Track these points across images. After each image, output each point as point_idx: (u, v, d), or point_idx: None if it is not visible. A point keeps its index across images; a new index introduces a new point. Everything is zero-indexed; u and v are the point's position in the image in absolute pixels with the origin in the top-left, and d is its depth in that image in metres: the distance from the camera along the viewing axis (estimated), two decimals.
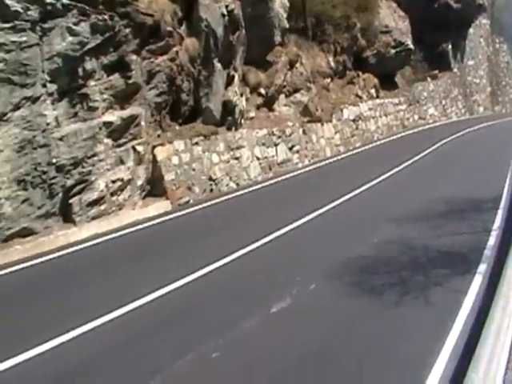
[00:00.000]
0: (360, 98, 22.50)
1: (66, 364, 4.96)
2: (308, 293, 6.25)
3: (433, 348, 4.79)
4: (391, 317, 5.56)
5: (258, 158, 15.02)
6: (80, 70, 9.83)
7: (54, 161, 9.29)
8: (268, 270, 7.18)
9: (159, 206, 11.37)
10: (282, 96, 17.23)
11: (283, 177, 15.16)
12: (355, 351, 4.86)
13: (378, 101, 23.96)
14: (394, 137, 23.67)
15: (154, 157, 11.52)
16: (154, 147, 11.55)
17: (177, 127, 12.56)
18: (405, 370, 4.53)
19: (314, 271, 6.98)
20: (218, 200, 12.43)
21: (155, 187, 11.55)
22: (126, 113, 10.72)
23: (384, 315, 5.58)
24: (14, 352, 5.13)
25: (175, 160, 12.01)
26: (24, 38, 8.79)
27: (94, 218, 9.94)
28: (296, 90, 17.59)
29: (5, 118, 8.61)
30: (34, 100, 9.04)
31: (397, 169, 14.73)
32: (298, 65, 17.60)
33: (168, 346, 5.09)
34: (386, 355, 4.78)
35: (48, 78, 9.25)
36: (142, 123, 11.13)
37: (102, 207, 10.15)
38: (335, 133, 19.55)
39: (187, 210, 11.51)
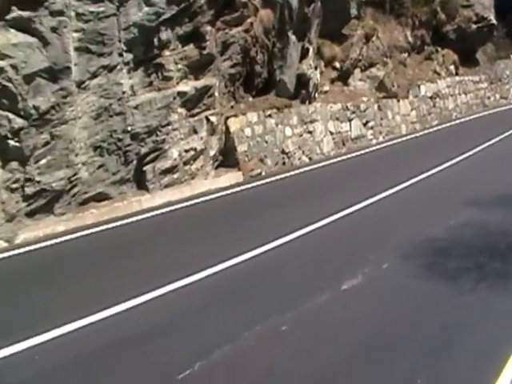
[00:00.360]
0: (438, 74, 21.75)
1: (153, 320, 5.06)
2: (380, 272, 6.01)
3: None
4: (466, 302, 5.19)
5: (331, 133, 14.82)
6: (155, 40, 9.92)
7: (129, 129, 9.46)
8: (339, 247, 7.01)
9: (231, 177, 11.41)
10: (358, 70, 16.88)
11: (357, 153, 14.88)
12: (427, 336, 4.55)
13: (457, 78, 23.10)
14: (474, 116, 22.78)
15: (227, 128, 11.55)
16: (227, 118, 11.58)
17: (250, 99, 12.53)
18: (480, 358, 4.20)
19: (387, 250, 6.71)
20: (290, 173, 12.34)
21: (227, 158, 11.59)
22: (200, 83, 10.77)
23: (458, 300, 5.23)
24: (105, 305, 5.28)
25: (248, 132, 12.01)
26: (102, 9, 8.93)
27: (166, 186, 10.09)
28: (372, 65, 17.18)
29: (83, 85, 8.79)
30: (111, 69, 9.20)
31: (477, 149, 14.01)
32: (374, 39, 17.18)
33: (236, 317, 5.02)
34: (460, 341, 4.45)
35: (124, 48, 9.38)
36: (216, 94, 11.15)
37: (175, 176, 10.28)
38: (411, 110, 19.03)
39: (259, 182, 11.50)
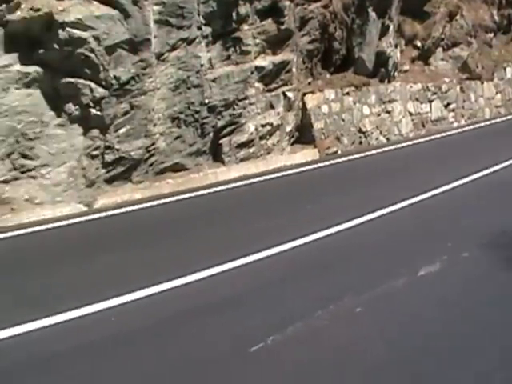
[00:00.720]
0: None
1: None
2: (459, 260, 5.62)
3: None
4: None
5: (410, 114, 14.43)
6: (234, 14, 9.92)
7: (207, 101, 9.52)
8: (415, 232, 6.64)
9: (307, 154, 11.31)
10: (440, 50, 16.30)
11: (437, 135, 14.40)
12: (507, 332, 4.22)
13: None
14: None
15: (304, 104, 11.44)
16: (304, 94, 11.46)
17: (328, 76, 12.35)
18: None
19: (466, 239, 6.27)
20: (366, 153, 12.06)
21: (304, 135, 11.48)
22: (277, 58, 10.70)
23: None
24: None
25: (325, 109, 11.85)
26: None
27: (242, 160, 10.10)
28: (455, 44, 16.56)
29: (162, 57, 8.91)
30: (190, 42, 9.28)
31: None
32: (458, 17, 16.53)
33: (311, 294, 4.90)
34: None
35: (203, 21, 9.43)
36: (294, 70, 11.05)
37: (251, 150, 10.28)
38: (496, 93, 18.24)
39: (335, 160, 11.31)
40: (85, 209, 7.94)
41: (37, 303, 4.83)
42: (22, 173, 7.65)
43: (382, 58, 13.48)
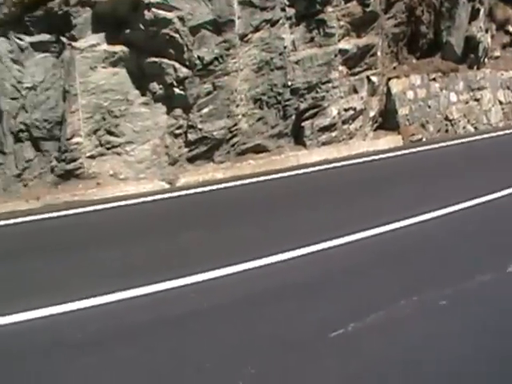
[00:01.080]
0: None
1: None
2: None
3: None
4: None
5: (500, 103, 13.78)
6: None
7: (289, 83, 9.38)
8: (506, 227, 6.13)
9: (390, 140, 10.98)
10: None
11: None
12: None
13: None
14: None
15: (389, 89, 11.11)
16: (388, 79, 11.13)
17: (414, 60, 11.95)
18: None
19: None
20: (452, 142, 11.58)
21: (387, 120, 11.15)
22: (362, 41, 10.43)
23: None
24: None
25: (410, 95, 11.47)
26: None
27: (323, 144, 9.91)
28: None
29: (245, 39, 8.86)
30: (273, 23, 9.17)
31: None
32: None
33: (395, 283, 4.65)
34: None
35: (287, 3, 9.31)
36: (378, 53, 10.74)
37: (333, 134, 10.07)
38: None
39: (419, 148, 10.91)
40: (167, 186, 8.02)
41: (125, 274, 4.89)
42: (108, 149, 7.83)
43: (471, 43, 12.93)
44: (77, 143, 7.65)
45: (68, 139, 7.61)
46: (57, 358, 3.60)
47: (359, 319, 3.98)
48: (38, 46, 7.57)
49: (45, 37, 7.60)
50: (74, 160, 7.67)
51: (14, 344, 3.79)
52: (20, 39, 7.46)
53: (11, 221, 6.69)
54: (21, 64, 7.46)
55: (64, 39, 7.66)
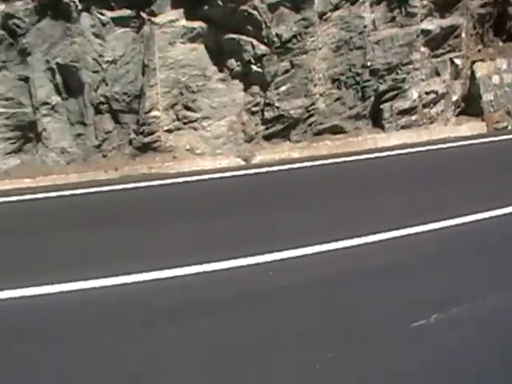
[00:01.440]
0: None
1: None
2: None
3: None
4: None
5: None
6: None
7: (369, 64, 9.12)
8: None
9: (473, 127, 10.51)
10: None
11: None
12: None
13: None
14: None
15: (473, 73, 10.63)
16: (473, 62, 10.65)
17: (500, 43, 11.40)
18: None
19: None
20: None
21: (470, 106, 10.68)
22: (445, 22, 10.02)
23: None
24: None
25: (496, 79, 10.94)
26: None
27: (403, 128, 9.59)
28: None
29: (324, 17, 8.67)
30: (353, 2, 8.93)
31: None
32: None
33: (481, 276, 4.42)
34: None
35: None
36: (463, 35, 10.30)
37: (413, 118, 9.73)
38: None
39: (504, 137, 10.40)
40: (243, 163, 7.97)
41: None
42: (185, 124, 7.86)
43: None
44: (154, 117, 7.72)
45: (146, 112, 7.70)
46: (136, 325, 3.68)
47: (443, 311, 3.83)
48: (118, 21, 7.67)
49: (125, 12, 7.69)
50: (152, 133, 7.76)
51: (98, 309, 3.90)
52: (102, 14, 7.58)
53: (92, 189, 6.84)
54: (102, 38, 7.58)
55: (144, 15, 7.73)
